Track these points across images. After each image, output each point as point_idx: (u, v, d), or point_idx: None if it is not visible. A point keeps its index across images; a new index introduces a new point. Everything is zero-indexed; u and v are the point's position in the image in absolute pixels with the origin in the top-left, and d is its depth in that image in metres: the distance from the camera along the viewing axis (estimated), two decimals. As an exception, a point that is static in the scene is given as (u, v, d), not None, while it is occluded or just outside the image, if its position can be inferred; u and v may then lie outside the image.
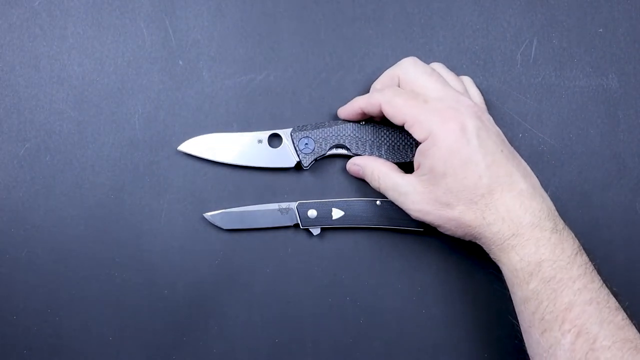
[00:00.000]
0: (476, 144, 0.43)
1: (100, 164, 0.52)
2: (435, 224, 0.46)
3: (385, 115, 0.47)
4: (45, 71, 0.52)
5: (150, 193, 0.52)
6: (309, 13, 0.53)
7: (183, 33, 0.53)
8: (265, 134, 0.51)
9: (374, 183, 0.49)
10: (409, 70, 0.47)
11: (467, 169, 0.43)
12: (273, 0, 0.53)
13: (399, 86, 0.48)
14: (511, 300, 0.44)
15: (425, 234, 0.51)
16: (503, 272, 0.44)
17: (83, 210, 0.52)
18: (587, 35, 0.53)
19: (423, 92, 0.46)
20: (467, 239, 0.46)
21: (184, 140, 0.52)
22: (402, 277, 0.52)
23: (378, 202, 0.51)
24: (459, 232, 0.45)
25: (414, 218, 0.46)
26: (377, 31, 0.53)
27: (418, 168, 0.46)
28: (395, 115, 0.45)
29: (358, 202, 0.51)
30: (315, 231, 0.52)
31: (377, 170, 0.48)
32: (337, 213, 0.51)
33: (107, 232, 0.52)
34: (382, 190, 0.48)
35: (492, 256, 0.45)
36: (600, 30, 0.53)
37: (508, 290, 0.45)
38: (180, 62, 0.52)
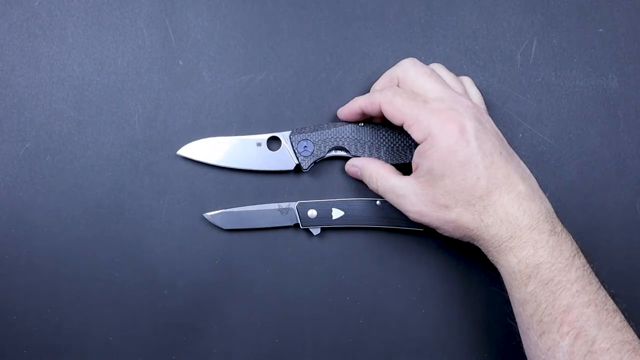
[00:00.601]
0: (475, 145, 0.43)
1: (100, 164, 0.52)
2: (433, 225, 0.46)
3: (384, 115, 0.47)
4: (45, 71, 0.52)
5: (150, 193, 0.52)
6: (309, 13, 0.53)
7: (183, 33, 0.53)
8: (264, 137, 0.51)
9: (372, 185, 0.49)
10: (409, 71, 0.47)
11: (465, 170, 0.43)
12: (273, 0, 0.53)
13: (398, 87, 0.48)
14: (510, 302, 0.44)
15: (425, 234, 0.51)
16: (501, 274, 0.44)
17: (83, 210, 0.52)
18: (587, 35, 0.53)
19: (422, 93, 0.46)
20: (465, 240, 0.46)
21: (183, 140, 0.52)
22: (402, 277, 0.52)
23: (378, 202, 0.51)
24: (456, 234, 0.45)
25: (411, 220, 0.46)
26: (377, 31, 0.53)
27: (416, 169, 0.46)
28: (394, 115, 0.45)
29: (358, 202, 0.51)
30: (315, 231, 0.52)
31: (375, 172, 0.48)
32: (337, 213, 0.51)
33: (107, 232, 0.52)
34: (380, 193, 0.48)
35: (490, 258, 0.45)
36: (600, 30, 0.53)
37: (507, 292, 0.45)
38: (180, 62, 0.52)
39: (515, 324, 0.44)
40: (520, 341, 0.44)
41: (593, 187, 0.52)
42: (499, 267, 0.44)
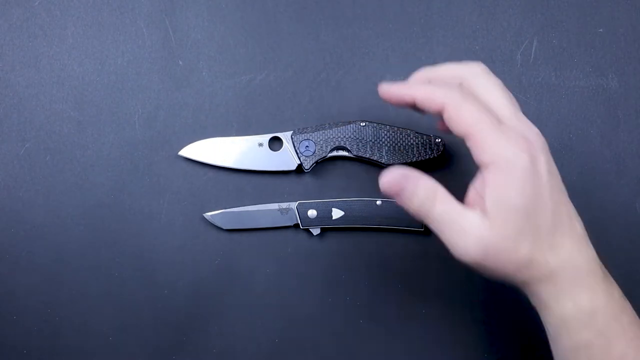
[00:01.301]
0: (546, 180, 0.38)
1: (100, 164, 0.52)
2: (490, 268, 0.38)
3: (444, 118, 0.39)
4: (45, 71, 0.52)
5: (150, 193, 0.52)
6: (309, 13, 0.53)
7: (183, 33, 0.53)
8: (265, 137, 0.51)
9: (419, 204, 0.39)
10: (480, 77, 0.40)
11: (537, 206, 0.37)
12: (273, 0, 0.53)
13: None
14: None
15: (425, 234, 0.51)
16: (546, 320, 0.40)
17: (83, 210, 0.52)
18: (587, 35, 0.53)
19: (494, 108, 0.39)
20: (513, 283, 0.40)
21: (184, 141, 0.52)
22: (402, 277, 0.52)
23: (378, 202, 0.51)
24: (517, 277, 0.39)
25: (460, 261, 0.39)
26: (377, 31, 0.53)
27: (475, 199, 0.39)
28: (459, 124, 0.38)
29: (358, 202, 0.51)
30: (315, 231, 0.52)
31: (432, 190, 0.39)
32: (337, 213, 0.51)
33: (107, 232, 0.52)
34: (432, 217, 0.39)
35: (535, 302, 0.40)
36: (600, 30, 0.53)
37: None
38: (180, 62, 0.52)
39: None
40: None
41: (593, 187, 0.52)
42: (547, 312, 0.40)
